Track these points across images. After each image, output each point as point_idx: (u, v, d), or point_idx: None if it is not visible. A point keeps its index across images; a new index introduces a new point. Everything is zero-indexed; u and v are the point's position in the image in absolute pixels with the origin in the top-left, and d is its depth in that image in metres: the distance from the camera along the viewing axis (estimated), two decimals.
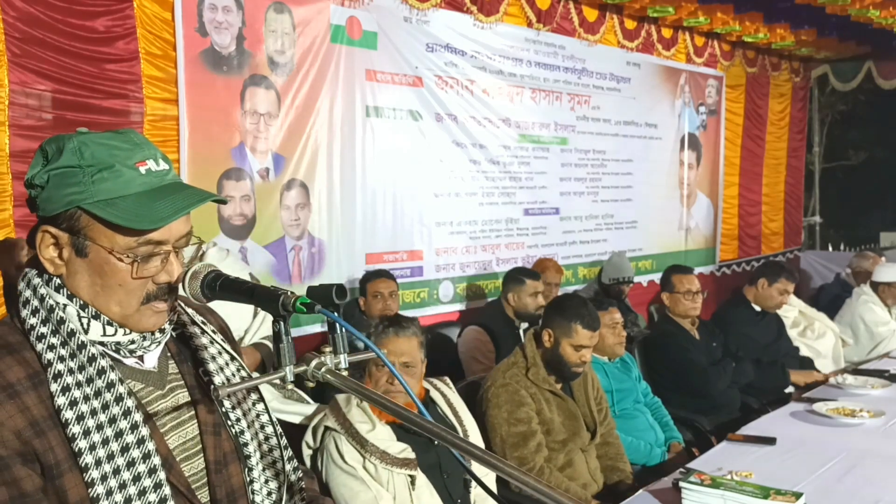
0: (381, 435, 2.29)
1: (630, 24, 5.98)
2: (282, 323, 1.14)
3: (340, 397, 2.32)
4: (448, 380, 2.69)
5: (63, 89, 3.19)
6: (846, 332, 5.20)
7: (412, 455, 2.31)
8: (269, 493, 1.35)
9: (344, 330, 1.15)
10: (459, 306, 5.03)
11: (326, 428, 2.33)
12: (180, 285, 1.25)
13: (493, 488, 2.47)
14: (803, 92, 8.41)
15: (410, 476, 2.30)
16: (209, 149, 3.73)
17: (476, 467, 1.32)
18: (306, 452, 2.40)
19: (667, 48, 6.37)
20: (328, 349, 1.14)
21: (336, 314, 1.13)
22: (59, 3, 3.15)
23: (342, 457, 2.26)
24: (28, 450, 1.10)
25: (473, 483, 2.46)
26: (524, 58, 5.32)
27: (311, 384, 1.14)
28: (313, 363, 1.13)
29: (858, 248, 8.11)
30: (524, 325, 4.35)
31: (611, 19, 5.83)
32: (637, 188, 6.37)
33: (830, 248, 9.20)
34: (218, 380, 1.31)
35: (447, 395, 2.61)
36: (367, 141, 4.43)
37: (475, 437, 2.61)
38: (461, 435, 2.50)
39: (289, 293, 1.14)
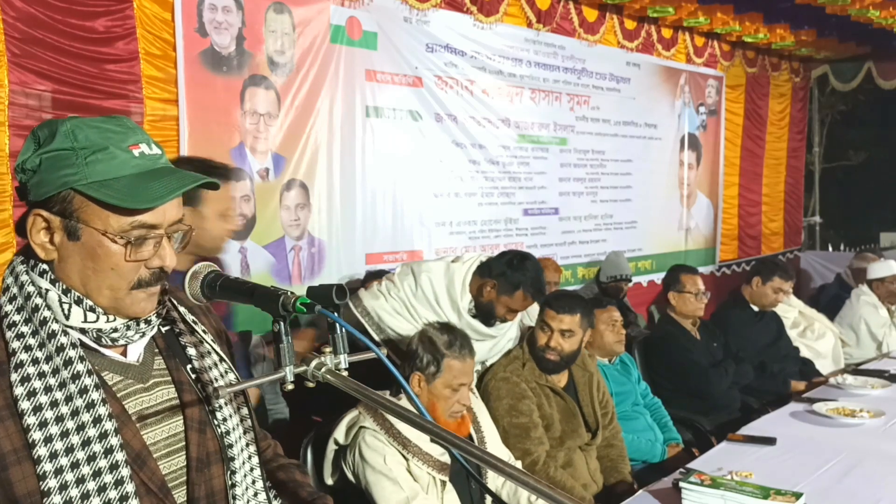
0: (423, 436, 2.23)
1: (630, 25, 5.98)
2: (282, 323, 1.14)
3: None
4: (474, 387, 2.66)
5: (63, 89, 3.19)
6: (847, 333, 5.19)
7: (449, 460, 2.29)
8: (255, 494, 1.33)
9: (344, 330, 1.14)
10: None
11: (362, 427, 2.27)
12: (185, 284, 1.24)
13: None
14: (803, 92, 8.41)
15: (443, 481, 2.29)
16: (209, 149, 3.71)
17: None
18: (331, 448, 2.36)
19: (667, 48, 6.36)
20: (328, 349, 1.14)
21: (336, 314, 1.13)
22: (58, 3, 3.15)
23: (382, 458, 2.21)
24: None
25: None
26: (524, 58, 5.31)
27: (310, 384, 1.14)
28: (313, 363, 1.12)
29: (858, 249, 8.09)
30: None
31: (611, 19, 5.82)
32: (637, 188, 6.36)
33: (830, 249, 9.17)
34: (204, 379, 1.29)
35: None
36: (366, 141, 4.43)
37: (493, 442, 2.58)
38: (476, 441, 2.49)
39: (289, 293, 1.14)
